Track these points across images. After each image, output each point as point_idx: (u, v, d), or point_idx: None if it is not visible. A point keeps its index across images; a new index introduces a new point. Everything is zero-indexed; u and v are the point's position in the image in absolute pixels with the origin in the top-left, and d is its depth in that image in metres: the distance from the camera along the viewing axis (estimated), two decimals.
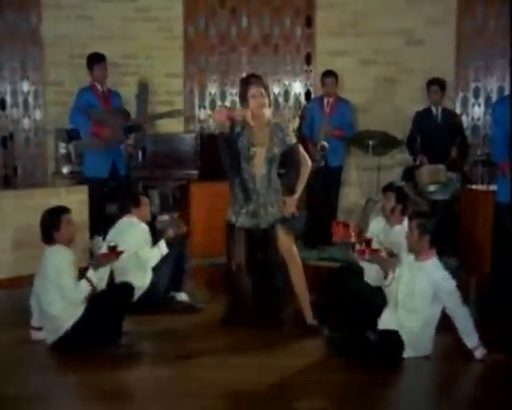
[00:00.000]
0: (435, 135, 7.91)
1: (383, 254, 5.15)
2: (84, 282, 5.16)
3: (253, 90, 5.40)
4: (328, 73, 8.10)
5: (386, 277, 5.13)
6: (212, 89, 8.93)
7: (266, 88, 5.51)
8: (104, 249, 5.35)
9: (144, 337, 5.47)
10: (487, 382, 4.76)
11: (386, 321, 5.03)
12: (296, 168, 5.56)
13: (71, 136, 8.10)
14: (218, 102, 8.92)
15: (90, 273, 5.19)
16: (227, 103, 8.85)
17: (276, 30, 8.82)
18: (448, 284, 4.91)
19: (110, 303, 5.26)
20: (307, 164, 5.63)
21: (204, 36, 8.83)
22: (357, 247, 5.21)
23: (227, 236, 5.66)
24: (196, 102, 8.94)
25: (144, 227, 6.19)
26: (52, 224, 5.21)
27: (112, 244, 5.30)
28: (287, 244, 5.53)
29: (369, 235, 5.52)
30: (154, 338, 5.50)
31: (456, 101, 8.63)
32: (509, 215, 5.55)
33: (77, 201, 6.91)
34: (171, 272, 6.18)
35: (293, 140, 5.58)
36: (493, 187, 6.25)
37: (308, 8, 8.75)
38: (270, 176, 5.51)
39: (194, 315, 5.98)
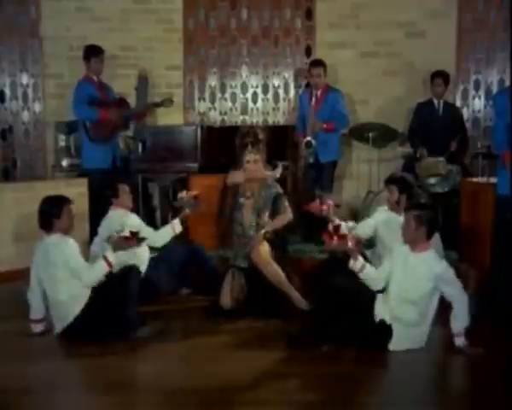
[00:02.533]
0: (436, 127, 7.92)
1: (351, 241, 5.06)
2: (101, 262, 5.19)
3: (248, 157, 5.92)
4: (315, 63, 7.84)
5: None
6: (212, 81, 8.91)
7: (261, 145, 5.98)
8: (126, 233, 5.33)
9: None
10: (481, 373, 4.73)
11: (381, 312, 5.00)
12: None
13: (71, 128, 8.16)
14: (218, 95, 8.89)
15: (109, 253, 5.21)
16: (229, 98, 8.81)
17: (276, 22, 8.79)
18: (449, 274, 4.92)
19: (115, 287, 5.23)
20: (287, 215, 6.03)
21: (204, 28, 8.80)
22: (326, 232, 5.16)
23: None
24: (196, 94, 8.92)
25: (131, 216, 6.18)
26: (53, 212, 5.22)
27: (134, 230, 5.33)
28: (262, 253, 5.77)
29: (337, 221, 5.60)
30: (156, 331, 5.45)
31: (456, 93, 8.62)
32: (509, 207, 5.53)
33: (76, 193, 6.88)
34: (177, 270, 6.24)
35: (279, 191, 6.05)
36: (493, 180, 6.25)
37: (308, 0, 8.72)
38: (259, 224, 5.97)
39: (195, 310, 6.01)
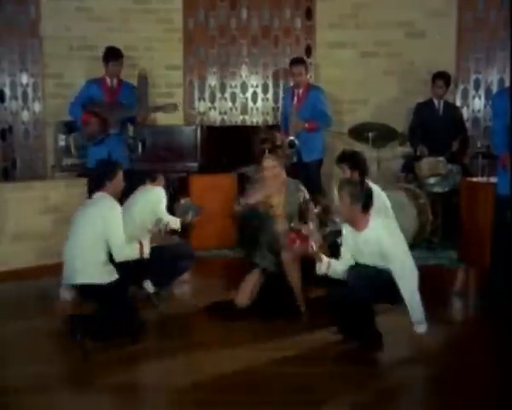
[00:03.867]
0: (436, 127, 7.92)
1: (313, 242, 5.06)
2: (136, 244, 5.25)
3: (266, 163, 5.73)
4: (296, 61, 7.81)
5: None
6: (212, 81, 8.91)
7: (280, 151, 5.82)
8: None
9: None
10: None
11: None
12: None
13: (70, 128, 8.11)
14: (218, 95, 8.91)
15: (146, 242, 5.28)
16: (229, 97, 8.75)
17: (275, 22, 8.80)
18: (394, 251, 4.79)
19: (110, 302, 5.18)
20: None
21: (204, 28, 8.80)
22: (289, 233, 5.18)
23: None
24: (196, 94, 8.92)
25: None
26: (108, 173, 5.34)
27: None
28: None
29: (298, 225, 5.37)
30: (153, 330, 5.45)
31: (456, 93, 8.61)
32: (509, 208, 5.51)
33: (77, 193, 6.84)
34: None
35: (306, 196, 5.82)
36: (493, 179, 6.22)
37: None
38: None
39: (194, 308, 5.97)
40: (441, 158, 7.50)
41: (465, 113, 8.57)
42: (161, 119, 8.45)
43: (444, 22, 8.45)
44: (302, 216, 5.65)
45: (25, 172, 8.49)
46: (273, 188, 5.77)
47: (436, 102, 8.02)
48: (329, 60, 8.09)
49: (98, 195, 5.32)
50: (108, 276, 5.18)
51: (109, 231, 5.15)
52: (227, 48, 8.84)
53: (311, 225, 5.35)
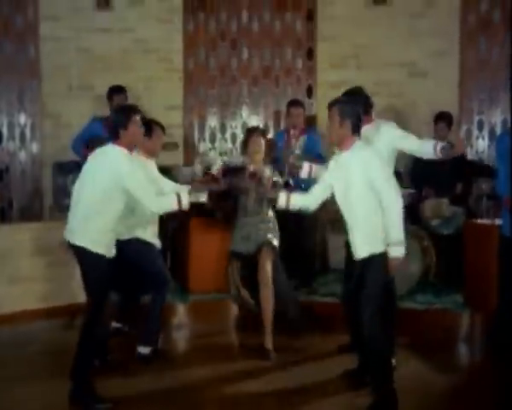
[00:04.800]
0: (440, 169, 7.66)
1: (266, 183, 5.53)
2: (173, 196, 5.11)
3: (254, 143, 6.18)
4: (295, 103, 7.75)
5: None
6: (212, 121, 8.88)
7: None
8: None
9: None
10: None
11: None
12: None
13: (68, 169, 7.92)
14: (218, 135, 8.84)
15: (184, 195, 5.12)
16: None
17: (276, 62, 8.79)
18: (381, 175, 4.73)
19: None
20: None
21: (204, 68, 8.79)
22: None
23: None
24: (196, 134, 8.86)
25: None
26: (120, 121, 4.95)
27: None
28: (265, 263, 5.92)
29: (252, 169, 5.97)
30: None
31: (459, 133, 8.45)
32: None
33: None
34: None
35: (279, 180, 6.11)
36: (498, 221, 6.16)
37: (309, 40, 8.73)
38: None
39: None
40: (445, 200, 7.42)
41: (469, 154, 8.43)
42: (162, 159, 8.25)
43: (446, 62, 8.37)
44: None
45: (21, 213, 8.41)
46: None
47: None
48: (331, 100, 7.87)
49: (109, 146, 4.96)
50: (104, 248, 4.89)
51: (130, 185, 4.84)
52: (227, 88, 8.82)
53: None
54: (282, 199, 5.19)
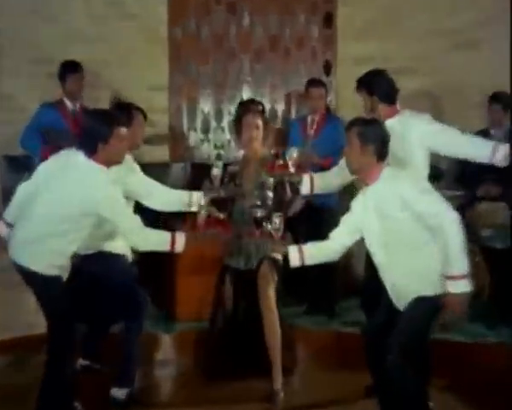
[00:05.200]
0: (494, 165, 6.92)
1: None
2: (166, 234, 4.81)
3: (250, 121, 5.60)
4: (316, 83, 7.29)
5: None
6: (206, 106, 8.06)
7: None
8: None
9: None
10: None
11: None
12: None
13: (23, 165, 7.05)
14: (213, 123, 8.07)
15: (181, 235, 4.82)
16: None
17: (286, 31, 8.01)
18: (424, 199, 4.41)
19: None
20: None
21: (195, 38, 7.95)
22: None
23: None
24: (185, 122, 8.03)
25: None
26: (99, 132, 4.56)
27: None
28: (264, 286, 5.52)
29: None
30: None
31: None
32: None
33: None
34: None
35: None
36: None
37: (327, 3, 7.96)
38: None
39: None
40: (502, 204, 6.72)
41: None
42: (144, 155, 7.26)
43: (499, 31, 7.26)
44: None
45: None
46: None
47: (493, 131, 7.01)
48: (354, 80, 6.86)
49: (81, 159, 4.55)
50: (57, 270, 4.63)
51: (109, 212, 4.56)
52: (224, 64, 8.01)
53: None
54: (295, 257, 4.85)
